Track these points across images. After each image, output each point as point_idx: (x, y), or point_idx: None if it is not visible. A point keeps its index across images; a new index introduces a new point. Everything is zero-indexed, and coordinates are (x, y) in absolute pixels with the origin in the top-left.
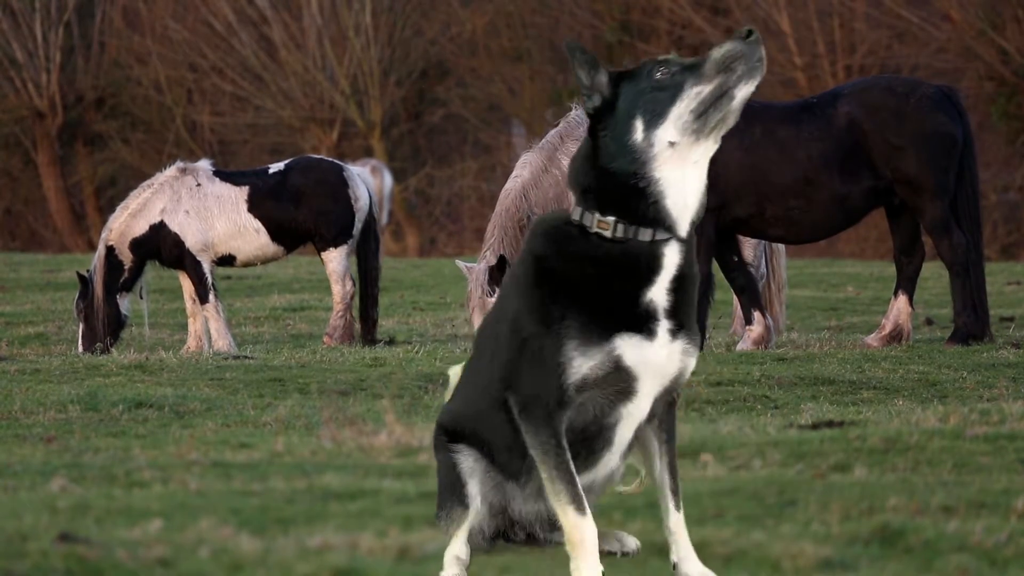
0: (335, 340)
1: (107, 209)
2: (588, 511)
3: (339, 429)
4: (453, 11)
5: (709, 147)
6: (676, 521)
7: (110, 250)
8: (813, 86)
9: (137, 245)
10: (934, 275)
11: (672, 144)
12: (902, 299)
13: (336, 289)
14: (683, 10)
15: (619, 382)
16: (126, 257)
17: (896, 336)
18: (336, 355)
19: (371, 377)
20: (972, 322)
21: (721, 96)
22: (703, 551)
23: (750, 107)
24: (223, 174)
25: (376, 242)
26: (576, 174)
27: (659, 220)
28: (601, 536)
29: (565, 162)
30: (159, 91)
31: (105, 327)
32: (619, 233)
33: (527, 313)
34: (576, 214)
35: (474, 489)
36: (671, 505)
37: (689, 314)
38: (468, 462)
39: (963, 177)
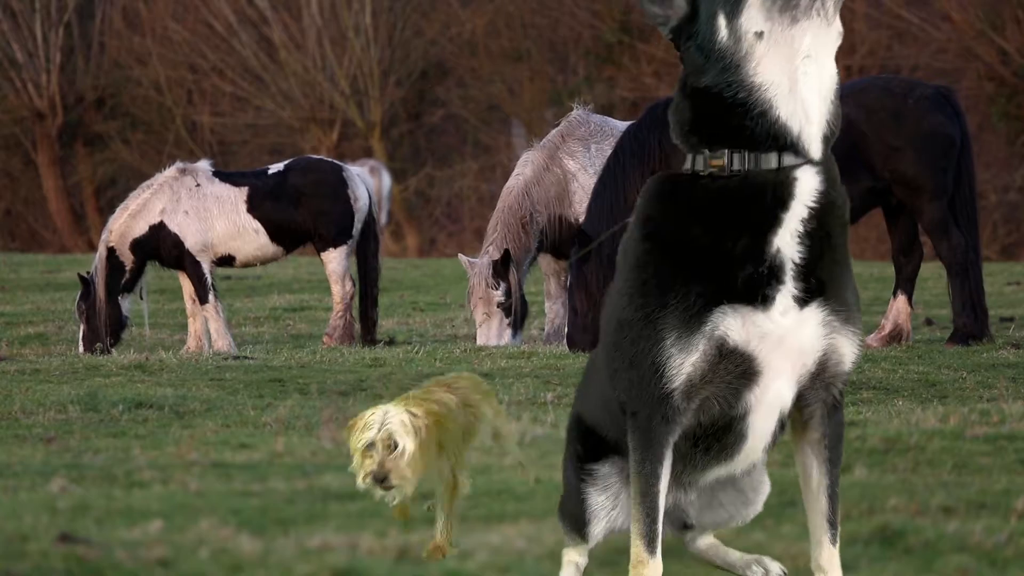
0: (335, 340)
1: (107, 210)
2: (658, 551)
3: (339, 429)
4: (453, 11)
5: (819, 31)
6: (829, 558)
7: (111, 251)
8: None
9: (137, 246)
10: (934, 275)
11: (760, 35)
12: (901, 299)
13: (336, 289)
14: None
15: (733, 368)
16: (127, 258)
17: (896, 336)
18: (336, 355)
19: (371, 377)
20: (972, 322)
21: None
22: None
23: None
24: (222, 175)
25: (376, 242)
26: (672, 113)
27: (776, 138)
28: (745, 563)
29: (567, 161)
30: (159, 91)
31: (106, 328)
32: (735, 165)
33: (625, 291)
34: (688, 161)
35: (597, 530)
36: (826, 538)
37: (835, 272)
38: (598, 499)
39: (961, 178)
